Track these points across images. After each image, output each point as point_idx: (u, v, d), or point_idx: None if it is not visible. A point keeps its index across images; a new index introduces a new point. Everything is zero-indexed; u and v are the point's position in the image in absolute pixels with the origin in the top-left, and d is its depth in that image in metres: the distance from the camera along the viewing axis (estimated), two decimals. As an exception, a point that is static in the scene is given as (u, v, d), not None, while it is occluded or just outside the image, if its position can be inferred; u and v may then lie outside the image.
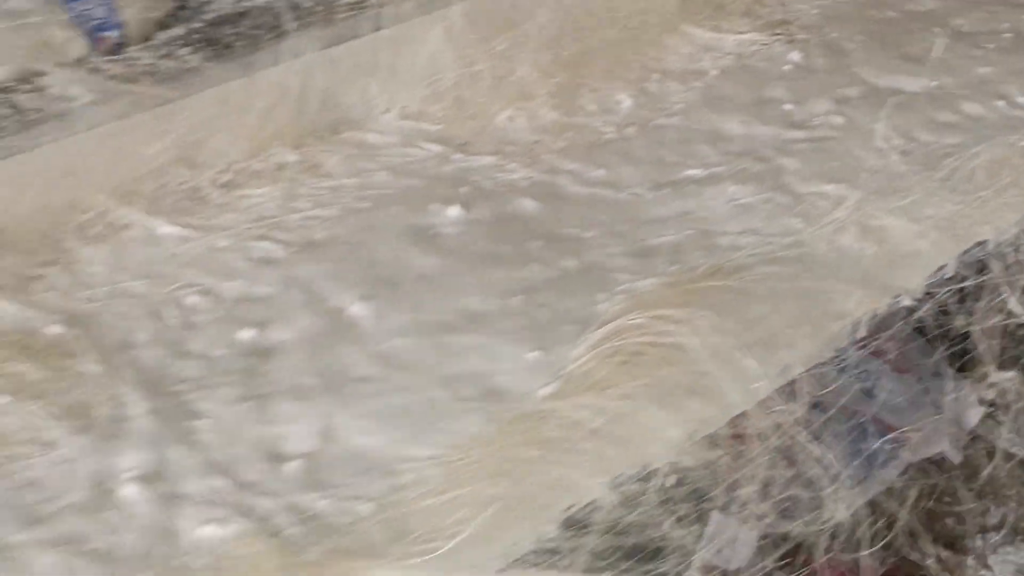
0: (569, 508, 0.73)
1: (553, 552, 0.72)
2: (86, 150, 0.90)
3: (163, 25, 1.14)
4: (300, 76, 0.99)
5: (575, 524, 0.74)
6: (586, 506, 0.74)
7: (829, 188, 0.99)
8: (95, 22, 1.11)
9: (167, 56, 1.06)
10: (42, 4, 1.09)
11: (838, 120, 1.08)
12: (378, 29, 1.02)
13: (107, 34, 1.10)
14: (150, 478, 0.75)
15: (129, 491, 0.74)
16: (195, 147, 0.95)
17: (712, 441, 0.77)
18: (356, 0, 1.05)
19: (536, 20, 1.09)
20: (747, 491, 0.78)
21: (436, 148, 1.04)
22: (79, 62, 1.07)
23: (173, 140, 0.93)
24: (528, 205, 0.98)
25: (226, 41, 1.02)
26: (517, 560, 0.71)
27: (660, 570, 0.73)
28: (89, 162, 0.90)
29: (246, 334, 0.86)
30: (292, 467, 0.76)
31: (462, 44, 1.06)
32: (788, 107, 1.10)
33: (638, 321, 0.82)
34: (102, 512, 0.73)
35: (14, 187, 0.87)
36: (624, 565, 0.73)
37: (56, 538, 0.72)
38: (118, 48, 1.10)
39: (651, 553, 0.74)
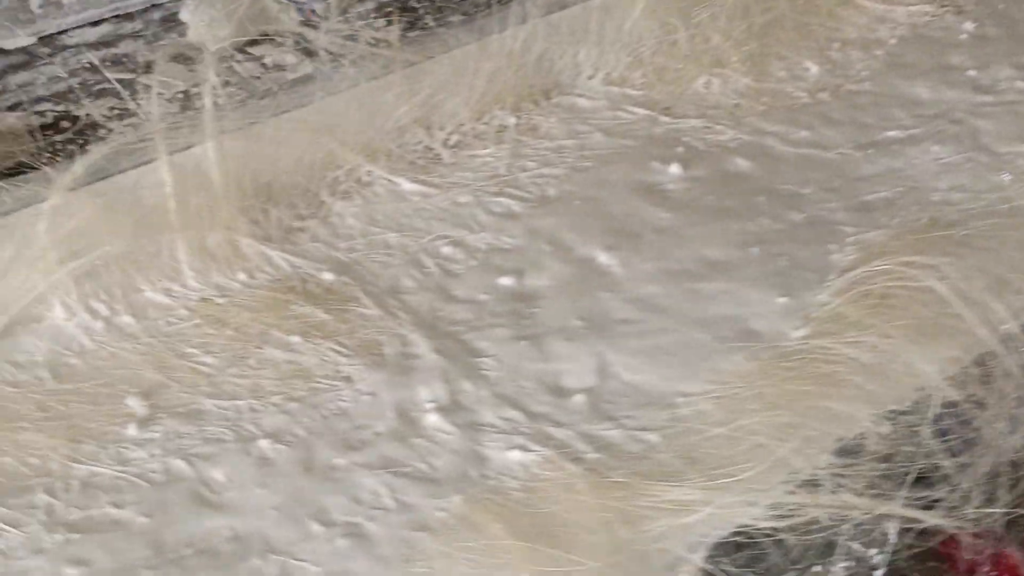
0: (842, 439, 0.79)
1: (834, 476, 0.77)
2: (339, 110, 0.96)
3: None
4: (522, 41, 1.05)
5: (848, 452, 0.79)
6: (857, 436, 0.80)
7: (1029, 148, 1.04)
8: (299, -3, 1.17)
9: (367, 26, 1.12)
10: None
11: (1023, 85, 1.13)
12: (589, -2, 1.08)
13: (312, 6, 1.16)
14: (449, 409, 0.81)
15: (432, 420, 0.80)
16: (430, 109, 1.01)
17: (967, 377, 0.83)
18: None
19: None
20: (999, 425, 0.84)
21: (642, 111, 1.09)
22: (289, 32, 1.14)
23: (415, 102, 0.99)
24: (742, 164, 1.03)
25: (463, 8, 1.08)
26: (799, 486, 0.77)
27: (933, 496, 0.79)
28: (341, 121, 0.96)
29: (505, 280, 0.91)
30: (577, 400, 0.82)
31: (663, 14, 1.11)
32: (972, 73, 1.15)
33: (885, 267, 0.88)
34: (412, 439, 0.79)
35: (278, 144, 0.93)
36: (897, 492, 0.79)
37: (374, 461, 0.78)
38: (317, 17, 1.16)
39: (922, 481, 0.80)
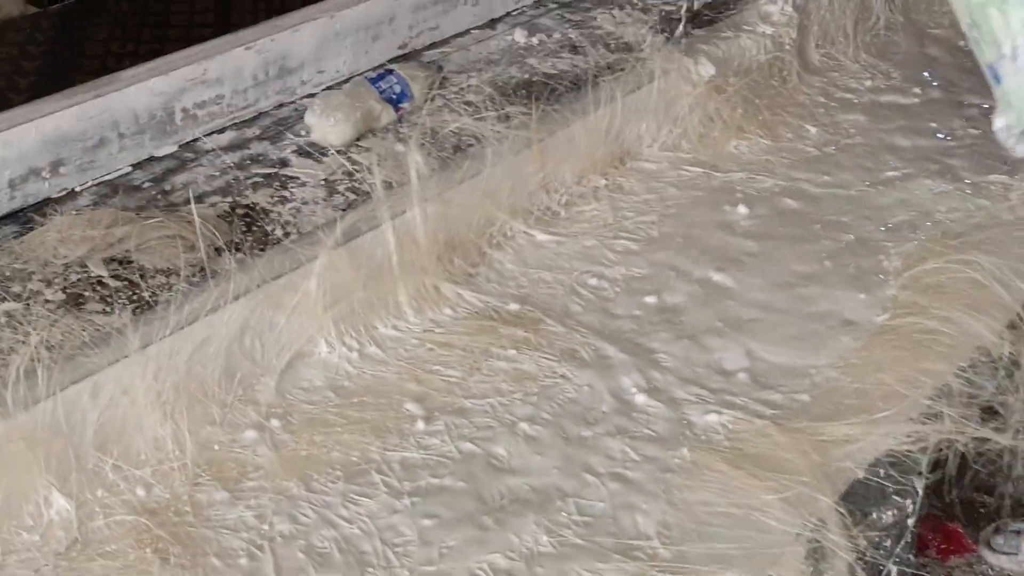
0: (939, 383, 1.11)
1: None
2: (493, 181, 1.25)
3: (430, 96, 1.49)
4: (608, 118, 1.36)
5: (944, 395, 1.12)
6: (945, 385, 1.12)
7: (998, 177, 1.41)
8: (395, 95, 1.46)
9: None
10: (361, 88, 1.43)
11: (976, 131, 1.51)
12: (651, 82, 1.41)
13: (403, 104, 1.45)
14: (649, 391, 1.10)
15: (641, 399, 1.09)
16: (549, 176, 1.31)
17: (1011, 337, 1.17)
18: (639, 57, 1.43)
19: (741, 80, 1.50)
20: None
21: (697, 170, 1.42)
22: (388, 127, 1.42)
23: (541, 171, 1.29)
24: (791, 203, 1.37)
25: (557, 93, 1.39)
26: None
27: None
28: (494, 188, 1.25)
29: (650, 299, 1.22)
30: (740, 377, 1.12)
31: (706, 99, 1.45)
32: (933, 124, 1.53)
33: (932, 266, 1.22)
34: (631, 414, 1.08)
35: (455, 207, 1.22)
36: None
37: (612, 430, 1.06)
38: (407, 114, 1.45)
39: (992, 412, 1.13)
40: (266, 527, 0.93)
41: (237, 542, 0.92)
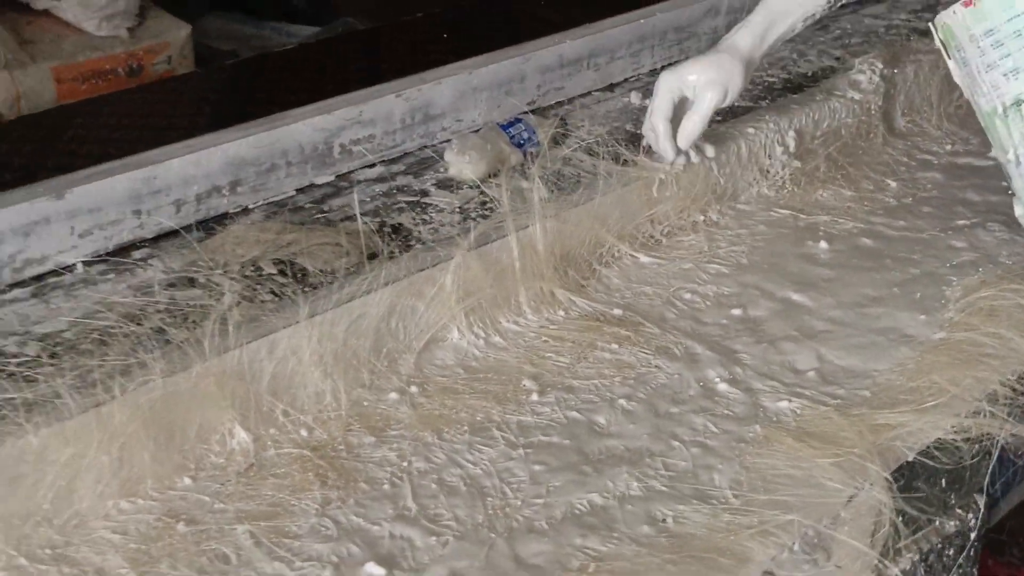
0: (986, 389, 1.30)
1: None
2: (604, 208, 1.47)
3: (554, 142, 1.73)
4: (706, 164, 1.58)
5: (993, 399, 1.30)
6: (992, 392, 1.30)
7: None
8: (523, 140, 1.70)
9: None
10: (493, 132, 1.67)
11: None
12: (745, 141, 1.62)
13: (530, 148, 1.69)
14: (730, 381, 1.30)
15: (723, 387, 1.29)
16: (653, 210, 1.53)
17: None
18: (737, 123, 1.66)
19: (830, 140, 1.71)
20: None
21: (785, 212, 1.63)
22: (519, 167, 1.66)
23: (647, 205, 1.51)
24: (867, 241, 1.57)
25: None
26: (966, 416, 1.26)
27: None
28: (605, 214, 1.47)
29: (736, 312, 1.42)
30: (810, 375, 1.32)
31: (798, 152, 1.66)
32: (1004, 184, 1.71)
33: (987, 293, 1.40)
34: (714, 398, 1.28)
35: (571, 227, 1.44)
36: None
37: (696, 409, 1.26)
38: (533, 156, 1.68)
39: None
40: (405, 464, 1.15)
41: (381, 473, 1.14)
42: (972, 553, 1.53)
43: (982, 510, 1.51)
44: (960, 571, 1.50)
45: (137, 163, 1.43)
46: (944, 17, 1.28)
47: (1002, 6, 1.23)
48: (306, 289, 1.28)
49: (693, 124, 1.46)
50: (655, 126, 1.47)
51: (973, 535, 1.51)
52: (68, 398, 1.03)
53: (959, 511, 1.43)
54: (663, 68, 1.54)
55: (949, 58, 1.29)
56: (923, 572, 1.40)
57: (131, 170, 1.41)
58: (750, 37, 1.46)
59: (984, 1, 1.23)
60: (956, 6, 1.26)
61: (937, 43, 1.30)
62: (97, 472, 1.05)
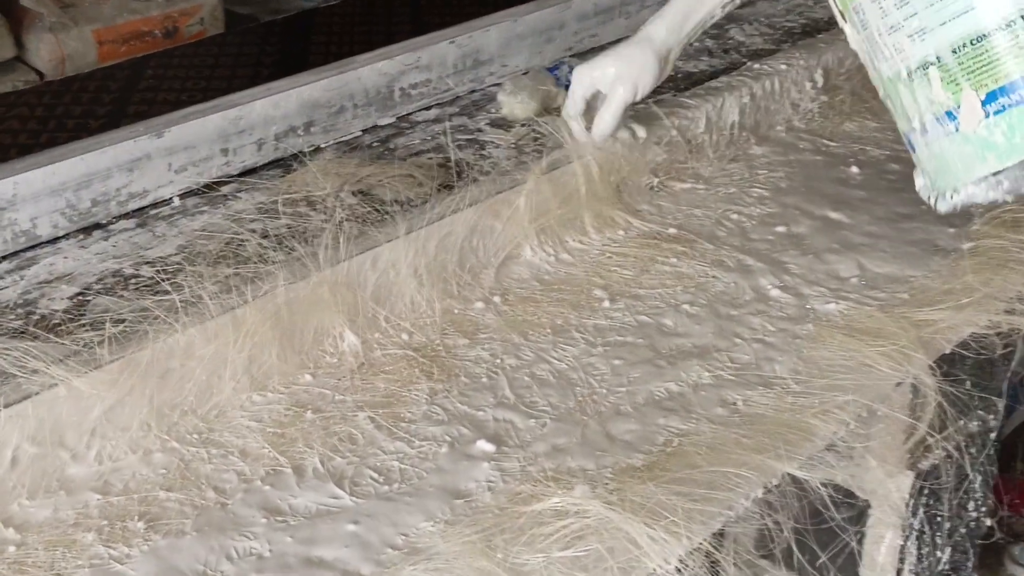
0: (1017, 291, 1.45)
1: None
2: (650, 143, 1.62)
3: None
4: (740, 104, 1.73)
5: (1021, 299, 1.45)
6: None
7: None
8: (568, 82, 1.84)
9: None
10: (541, 74, 1.82)
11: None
12: (779, 80, 1.77)
13: None
14: (781, 287, 1.45)
15: (775, 293, 1.43)
16: (694, 142, 1.68)
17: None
18: (765, 63, 1.80)
19: (855, 76, 1.85)
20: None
21: (816, 141, 1.78)
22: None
23: (688, 140, 1.66)
24: (894, 166, 1.72)
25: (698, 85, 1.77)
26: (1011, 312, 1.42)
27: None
28: (651, 148, 1.62)
29: (780, 228, 1.56)
30: (853, 281, 1.46)
31: (826, 87, 1.81)
32: None
33: (1010, 206, 1.56)
34: (767, 302, 1.43)
35: (621, 159, 1.59)
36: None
37: (753, 312, 1.41)
38: None
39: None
40: (498, 361, 1.29)
41: (478, 369, 1.28)
42: (992, 453, 1.69)
43: (1001, 412, 1.67)
44: (981, 468, 1.67)
45: (226, 104, 1.56)
46: None
47: None
48: (386, 216, 1.42)
49: (604, 121, 1.49)
50: (569, 123, 1.52)
51: (993, 435, 1.67)
52: (209, 302, 1.17)
53: (980, 412, 1.59)
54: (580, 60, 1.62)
55: (845, 21, 1.19)
56: (949, 468, 1.55)
57: (220, 111, 1.55)
58: (664, 29, 1.45)
59: None
60: None
61: (833, 6, 1.20)
62: (233, 368, 1.19)
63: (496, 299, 1.38)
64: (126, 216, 1.46)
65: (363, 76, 1.69)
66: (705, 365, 1.28)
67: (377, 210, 1.43)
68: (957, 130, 1.12)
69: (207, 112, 1.53)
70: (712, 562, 1.05)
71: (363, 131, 1.71)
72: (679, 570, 0.98)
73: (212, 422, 1.17)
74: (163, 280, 1.23)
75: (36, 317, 1.21)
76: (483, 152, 1.64)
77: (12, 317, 1.21)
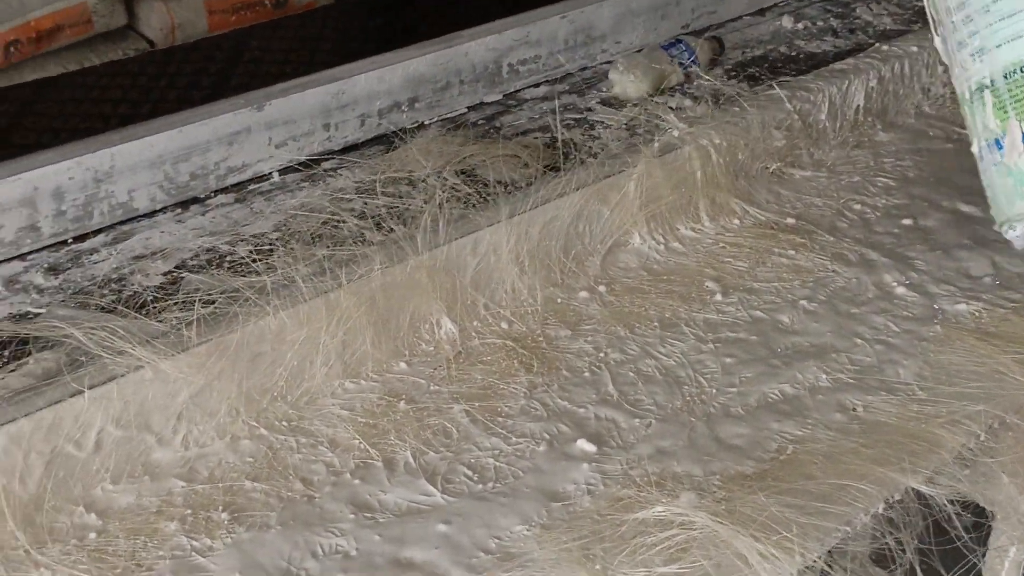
0: None
1: None
2: (769, 128, 1.53)
3: (713, 63, 1.79)
4: (866, 87, 1.63)
5: None
6: None
7: None
8: (684, 60, 1.76)
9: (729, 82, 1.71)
10: (656, 52, 1.74)
11: None
12: (909, 62, 1.67)
13: (690, 69, 1.75)
14: (907, 285, 1.36)
15: (900, 291, 1.34)
16: (815, 126, 1.59)
17: None
18: (892, 46, 1.70)
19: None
20: None
21: (948, 128, 1.67)
22: (679, 86, 1.72)
23: (807, 124, 1.57)
24: None
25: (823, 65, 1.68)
26: None
27: None
28: (769, 133, 1.54)
29: (907, 222, 1.47)
30: (986, 280, 1.37)
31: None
32: None
33: None
34: (892, 300, 1.34)
35: (741, 140, 1.50)
36: None
37: (875, 310, 1.32)
38: (691, 76, 1.74)
39: None
40: (601, 355, 1.23)
41: (580, 363, 1.22)
42: None
43: None
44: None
45: (328, 78, 1.52)
46: None
47: None
48: (488, 198, 1.36)
49: None
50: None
51: None
52: (302, 284, 1.12)
53: None
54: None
55: (936, 34, 1.14)
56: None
57: (323, 84, 1.50)
58: None
59: None
60: None
61: (928, 15, 1.14)
62: (325, 354, 1.14)
63: (601, 289, 1.32)
64: (224, 191, 1.43)
65: (470, 51, 1.64)
66: (823, 366, 1.21)
67: (480, 191, 1.37)
68: (1002, 160, 1.07)
69: (309, 85, 1.49)
70: (827, 583, 0.98)
71: (468, 108, 1.65)
72: (791, 591, 0.91)
73: (302, 409, 1.12)
74: (257, 260, 1.18)
75: (128, 294, 1.18)
76: (592, 133, 1.57)
77: (105, 292, 1.18)
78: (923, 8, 1.90)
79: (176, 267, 1.26)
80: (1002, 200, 1.09)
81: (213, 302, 1.12)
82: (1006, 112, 1.05)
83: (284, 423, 1.12)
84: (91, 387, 1.01)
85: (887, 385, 1.19)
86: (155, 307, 1.15)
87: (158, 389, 1.05)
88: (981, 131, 1.09)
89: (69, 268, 1.26)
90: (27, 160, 1.30)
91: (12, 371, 1.07)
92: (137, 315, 1.12)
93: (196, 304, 1.09)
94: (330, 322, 1.13)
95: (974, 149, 1.11)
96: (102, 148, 1.33)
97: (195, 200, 1.42)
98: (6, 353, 1.11)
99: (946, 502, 1.05)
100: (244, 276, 1.17)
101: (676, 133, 1.44)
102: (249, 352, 1.10)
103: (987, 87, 1.06)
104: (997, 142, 1.07)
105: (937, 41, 1.13)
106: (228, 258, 1.28)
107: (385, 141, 1.57)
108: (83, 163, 1.31)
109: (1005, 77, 1.04)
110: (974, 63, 1.07)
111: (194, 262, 1.27)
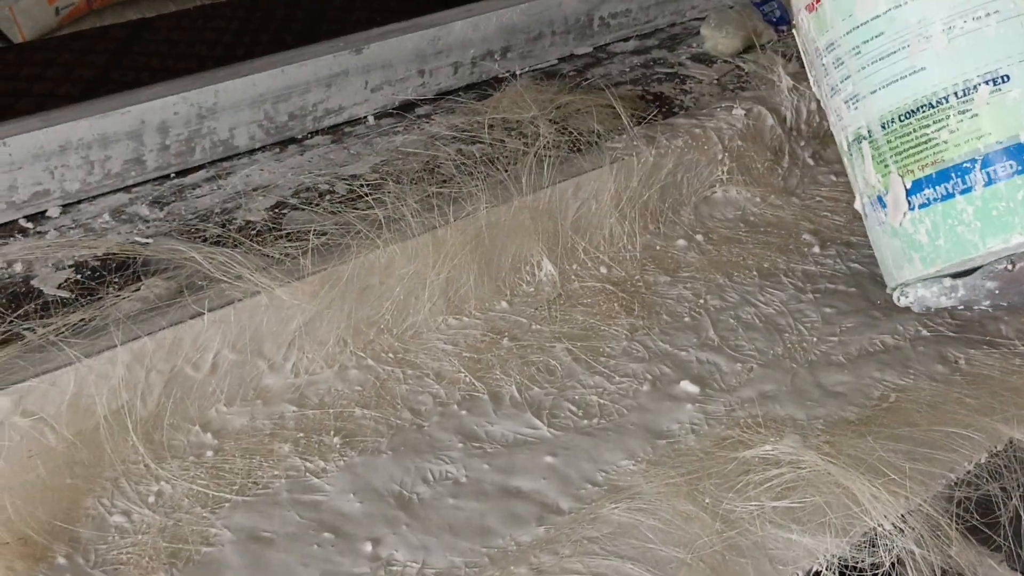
0: None
1: None
2: None
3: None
4: None
5: None
6: None
7: None
8: (776, 18, 1.76)
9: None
10: (748, 9, 1.74)
11: None
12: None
13: (782, 27, 1.76)
14: None
15: None
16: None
17: None
18: None
19: None
20: None
21: None
22: (767, 44, 1.73)
23: None
24: None
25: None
26: None
27: None
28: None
29: None
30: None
31: None
32: None
33: None
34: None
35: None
36: None
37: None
38: (785, 35, 1.75)
39: None
40: (701, 301, 1.25)
41: (680, 308, 1.24)
42: None
43: None
44: None
45: (425, 24, 1.54)
46: (797, 23, 1.03)
47: (841, 13, 0.94)
48: (583, 146, 1.37)
49: None
50: None
51: None
52: (411, 219, 1.15)
53: None
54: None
55: (810, 75, 1.05)
56: None
57: (420, 30, 1.52)
58: None
59: (824, 5, 0.95)
60: (802, 10, 1.00)
61: (801, 52, 1.05)
62: (430, 289, 1.16)
63: (699, 237, 1.33)
64: (321, 132, 1.45)
65: (563, 3, 1.65)
66: (923, 319, 1.22)
67: (575, 140, 1.38)
68: (887, 219, 0.97)
69: (406, 31, 1.51)
70: (932, 526, 0.99)
71: (559, 60, 1.67)
72: (902, 530, 0.93)
73: (407, 342, 1.15)
74: (365, 195, 1.20)
75: (235, 227, 1.20)
76: (684, 87, 1.58)
77: (212, 224, 1.21)
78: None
79: (278, 203, 1.28)
80: (890, 264, 1.00)
81: (324, 234, 1.14)
82: (887, 166, 0.95)
83: (390, 355, 1.14)
84: (210, 310, 1.04)
85: (988, 340, 1.19)
86: (265, 238, 1.17)
87: (272, 316, 1.08)
88: (863, 187, 0.99)
89: (173, 201, 1.29)
90: (134, 94, 1.33)
91: (125, 297, 1.10)
92: (251, 244, 1.14)
93: (311, 235, 1.11)
94: (437, 259, 1.15)
95: (857, 206, 1.01)
96: (207, 84, 1.35)
97: (292, 140, 1.45)
98: (119, 278, 1.13)
99: (1050, 453, 1.06)
100: (354, 210, 1.19)
101: (782, 85, 1.45)
102: (358, 284, 1.12)
103: (865, 138, 0.96)
104: (880, 199, 0.97)
105: (812, 83, 1.02)
106: (328, 196, 1.30)
107: (478, 89, 1.58)
108: (188, 99, 1.34)
109: (883, 127, 0.94)
110: (849, 111, 0.97)
111: (295, 199, 1.29)
